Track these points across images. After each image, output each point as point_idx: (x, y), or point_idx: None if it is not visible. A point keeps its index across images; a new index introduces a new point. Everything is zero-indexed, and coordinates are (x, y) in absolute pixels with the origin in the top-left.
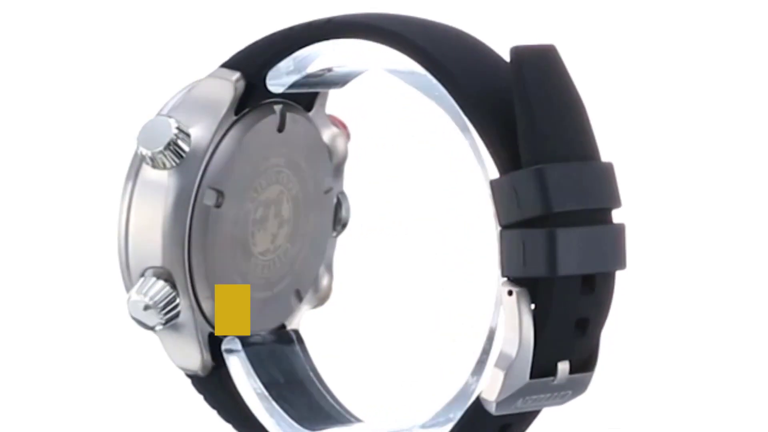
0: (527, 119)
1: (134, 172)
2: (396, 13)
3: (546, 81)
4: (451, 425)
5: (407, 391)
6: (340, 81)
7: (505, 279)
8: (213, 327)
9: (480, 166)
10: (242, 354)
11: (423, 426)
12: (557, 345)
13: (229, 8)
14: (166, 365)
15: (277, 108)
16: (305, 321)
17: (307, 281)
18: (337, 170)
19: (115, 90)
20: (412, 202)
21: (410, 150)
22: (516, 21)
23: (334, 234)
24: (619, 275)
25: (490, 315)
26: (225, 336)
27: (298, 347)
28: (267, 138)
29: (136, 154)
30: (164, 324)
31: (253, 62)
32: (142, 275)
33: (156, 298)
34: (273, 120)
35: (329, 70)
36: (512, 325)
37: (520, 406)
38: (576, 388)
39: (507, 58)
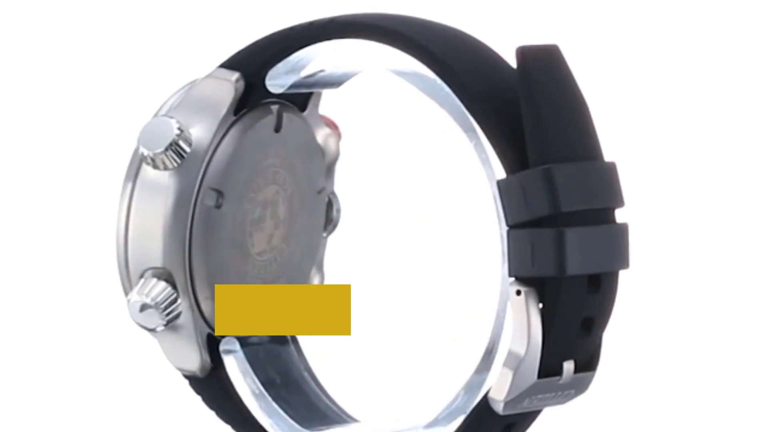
0: (534, 119)
1: (134, 173)
2: (396, 13)
3: (552, 81)
4: (455, 425)
5: (407, 392)
6: (339, 81)
7: (513, 279)
8: (211, 327)
9: (484, 165)
10: (240, 354)
11: (425, 426)
12: (564, 344)
13: (229, 8)
14: (164, 366)
15: (274, 108)
16: None
17: (299, 282)
18: (329, 170)
19: (115, 90)
20: (413, 203)
21: (410, 150)
22: (516, 21)
23: (325, 234)
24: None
25: (491, 315)
26: (223, 337)
27: (292, 347)
28: (265, 138)
29: (135, 154)
30: (165, 325)
31: (253, 62)
32: (142, 276)
33: (158, 299)
34: (270, 120)
35: (329, 70)
36: (521, 324)
37: (526, 406)
38: (579, 387)
39: (507, 58)
